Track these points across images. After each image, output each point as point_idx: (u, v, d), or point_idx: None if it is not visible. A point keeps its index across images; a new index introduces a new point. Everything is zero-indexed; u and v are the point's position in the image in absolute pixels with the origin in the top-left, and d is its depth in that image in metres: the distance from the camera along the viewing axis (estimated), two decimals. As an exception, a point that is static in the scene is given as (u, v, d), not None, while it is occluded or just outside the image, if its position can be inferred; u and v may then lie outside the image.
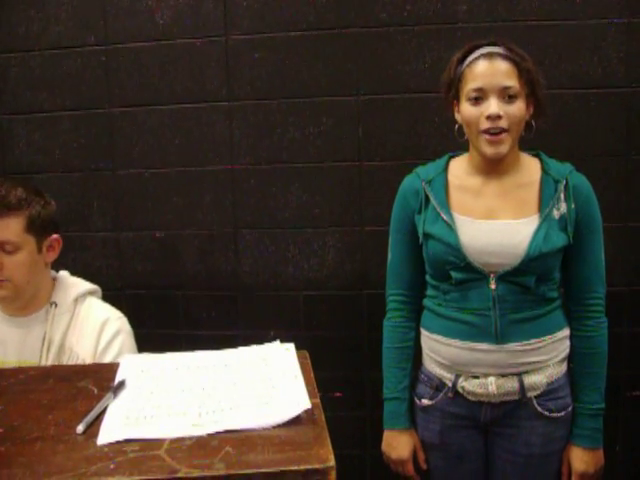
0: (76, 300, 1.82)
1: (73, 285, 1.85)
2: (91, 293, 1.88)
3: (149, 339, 2.52)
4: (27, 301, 1.77)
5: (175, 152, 2.54)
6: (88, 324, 1.79)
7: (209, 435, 1.09)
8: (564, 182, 1.70)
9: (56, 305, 1.78)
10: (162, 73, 2.51)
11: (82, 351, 1.75)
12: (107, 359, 1.76)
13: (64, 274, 1.89)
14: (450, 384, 1.77)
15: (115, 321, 1.82)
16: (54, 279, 1.85)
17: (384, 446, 1.88)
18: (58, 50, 2.55)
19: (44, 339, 1.74)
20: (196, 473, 0.97)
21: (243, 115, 2.49)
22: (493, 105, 1.61)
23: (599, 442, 1.77)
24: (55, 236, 1.79)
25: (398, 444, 1.85)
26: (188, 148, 2.53)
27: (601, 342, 1.76)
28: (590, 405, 1.75)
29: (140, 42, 2.51)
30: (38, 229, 1.73)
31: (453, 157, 1.82)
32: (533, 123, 1.71)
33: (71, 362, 1.74)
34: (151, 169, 2.57)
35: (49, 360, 1.72)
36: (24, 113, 2.60)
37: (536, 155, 1.78)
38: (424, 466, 1.86)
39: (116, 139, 2.57)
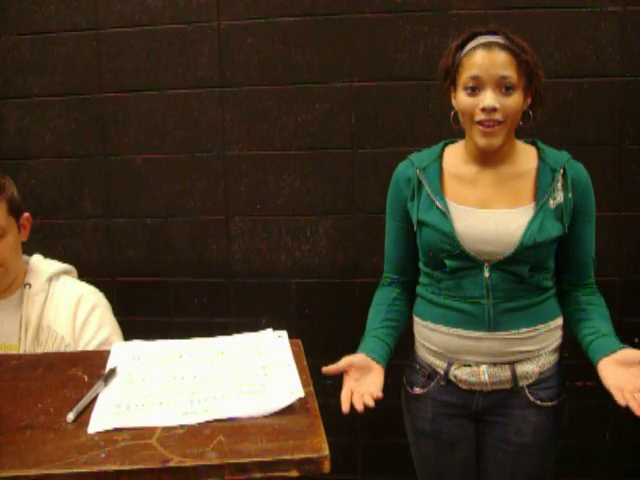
0: (50, 279, 1.80)
1: (47, 266, 1.84)
2: (66, 272, 1.86)
3: (140, 326, 2.50)
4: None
5: (167, 138, 2.53)
6: (64, 301, 1.77)
7: (201, 424, 1.08)
8: (561, 171, 1.69)
9: (30, 286, 1.76)
10: (154, 58, 2.49)
11: (61, 328, 1.74)
12: (88, 334, 1.75)
13: (37, 257, 1.87)
14: (442, 372, 1.77)
15: (91, 295, 1.81)
16: (27, 263, 1.83)
17: None
18: (49, 34, 2.52)
19: (21, 321, 1.73)
20: (188, 462, 0.96)
21: (235, 101, 2.48)
22: (489, 97, 1.59)
23: None
24: (26, 214, 1.77)
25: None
26: (180, 134, 2.52)
27: (601, 301, 1.76)
28: (612, 331, 1.69)
29: (132, 27, 2.48)
30: (16, 210, 1.72)
31: (448, 144, 1.81)
32: (531, 113, 1.69)
33: (50, 341, 1.73)
34: (142, 155, 2.55)
35: (28, 341, 1.71)
36: (14, 97, 2.57)
37: (533, 143, 1.77)
38: (378, 394, 1.60)
39: (107, 125, 2.55)
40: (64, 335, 1.73)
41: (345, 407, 1.55)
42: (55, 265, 1.85)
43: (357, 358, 1.68)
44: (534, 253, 1.66)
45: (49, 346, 1.72)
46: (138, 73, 2.51)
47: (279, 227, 2.52)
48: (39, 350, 1.71)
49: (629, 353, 1.59)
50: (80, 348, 1.73)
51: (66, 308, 1.76)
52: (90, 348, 1.73)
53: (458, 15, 2.32)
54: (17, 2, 2.51)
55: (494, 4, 2.31)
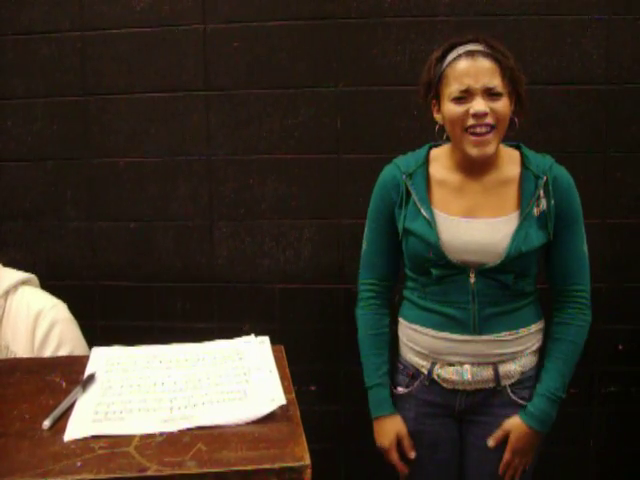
0: (7, 293, 1.74)
1: (4, 277, 1.77)
2: (24, 283, 1.80)
3: (122, 331, 2.50)
4: None
5: (151, 142, 2.51)
6: (21, 319, 1.71)
7: (180, 431, 1.07)
8: (544, 178, 1.68)
9: None
10: (138, 61, 2.47)
11: (19, 348, 1.69)
12: (46, 353, 1.69)
13: None
14: (426, 372, 1.77)
15: (49, 311, 1.73)
16: None
17: (374, 435, 1.86)
18: (32, 35, 2.50)
19: None
20: (167, 471, 0.95)
21: (220, 105, 2.46)
22: (480, 103, 1.58)
23: (547, 428, 1.74)
24: None
25: (383, 432, 1.82)
26: (164, 138, 2.50)
27: (577, 333, 1.75)
28: (551, 390, 1.72)
29: (116, 29, 2.46)
30: None
31: (434, 147, 1.80)
32: (515, 120, 1.69)
33: None
34: (126, 158, 2.53)
35: None
36: (-4, 99, 2.55)
37: (516, 147, 1.76)
38: (410, 455, 1.81)
39: (91, 127, 2.53)
40: (23, 355, 1.68)
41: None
42: (13, 276, 1.79)
43: (399, 430, 1.82)
44: (519, 262, 1.67)
45: None
46: (122, 75, 2.48)
47: (263, 232, 2.50)
48: None
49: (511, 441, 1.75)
50: None
51: (24, 326, 1.70)
52: None
53: (444, 22, 2.32)
54: (0, 3, 2.49)
55: (480, 11, 2.31)
